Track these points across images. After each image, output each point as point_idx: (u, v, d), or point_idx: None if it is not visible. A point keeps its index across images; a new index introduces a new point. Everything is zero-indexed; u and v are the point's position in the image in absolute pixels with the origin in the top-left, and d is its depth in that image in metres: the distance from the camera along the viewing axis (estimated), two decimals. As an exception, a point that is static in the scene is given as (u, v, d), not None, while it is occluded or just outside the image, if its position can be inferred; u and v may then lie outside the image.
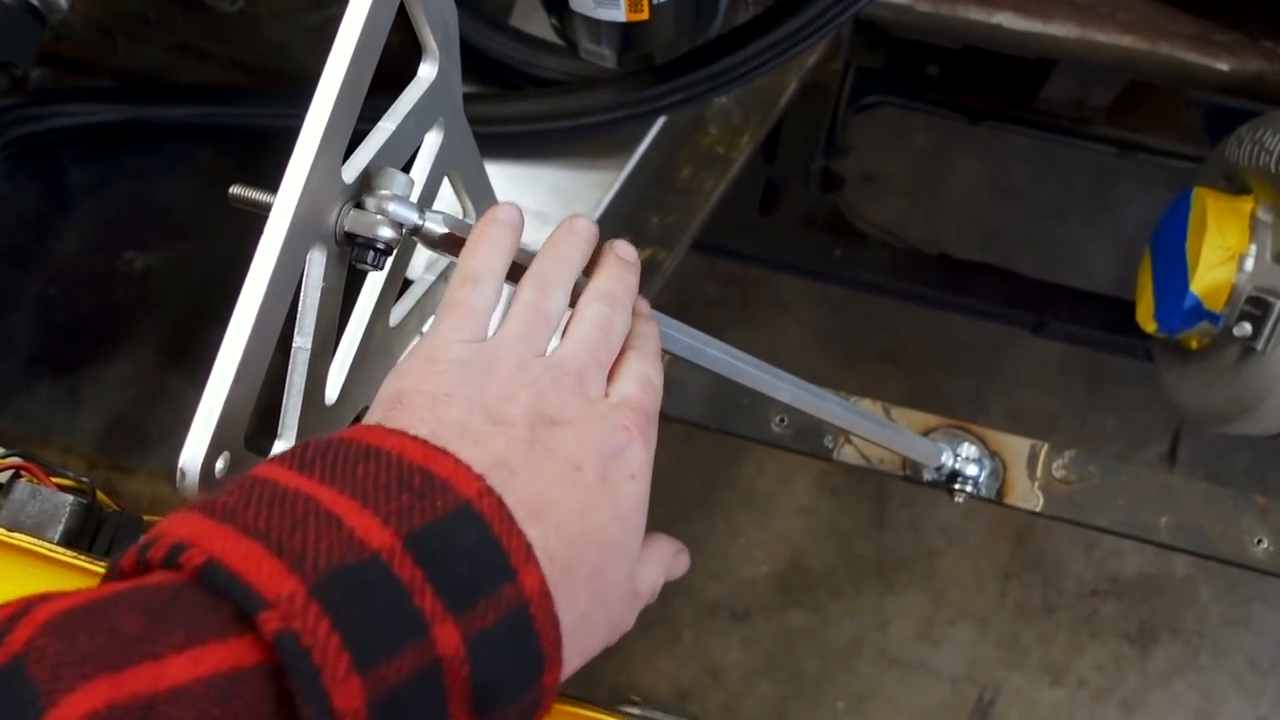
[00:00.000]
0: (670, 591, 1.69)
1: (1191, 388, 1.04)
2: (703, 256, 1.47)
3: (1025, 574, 1.68)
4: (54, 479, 0.57)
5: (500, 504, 0.38)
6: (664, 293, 1.05)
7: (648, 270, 1.01)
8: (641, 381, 0.48)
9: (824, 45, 1.07)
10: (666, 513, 1.72)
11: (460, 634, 0.35)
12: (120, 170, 1.06)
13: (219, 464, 0.44)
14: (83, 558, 0.49)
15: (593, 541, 0.41)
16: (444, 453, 0.39)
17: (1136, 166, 1.49)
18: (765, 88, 1.05)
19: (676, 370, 0.90)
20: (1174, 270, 1.01)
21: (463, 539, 0.36)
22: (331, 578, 0.33)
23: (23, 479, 0.55)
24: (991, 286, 1.29)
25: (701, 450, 1.72)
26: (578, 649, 0.41)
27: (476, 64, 0.93)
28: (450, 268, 0.68)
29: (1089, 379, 1.77)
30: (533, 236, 0.90)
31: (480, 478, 0.38)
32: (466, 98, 0.94)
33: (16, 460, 0.56)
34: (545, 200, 0.94)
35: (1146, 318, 1.04)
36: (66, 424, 1.04)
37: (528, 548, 0.38)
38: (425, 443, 0.39)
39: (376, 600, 0.34)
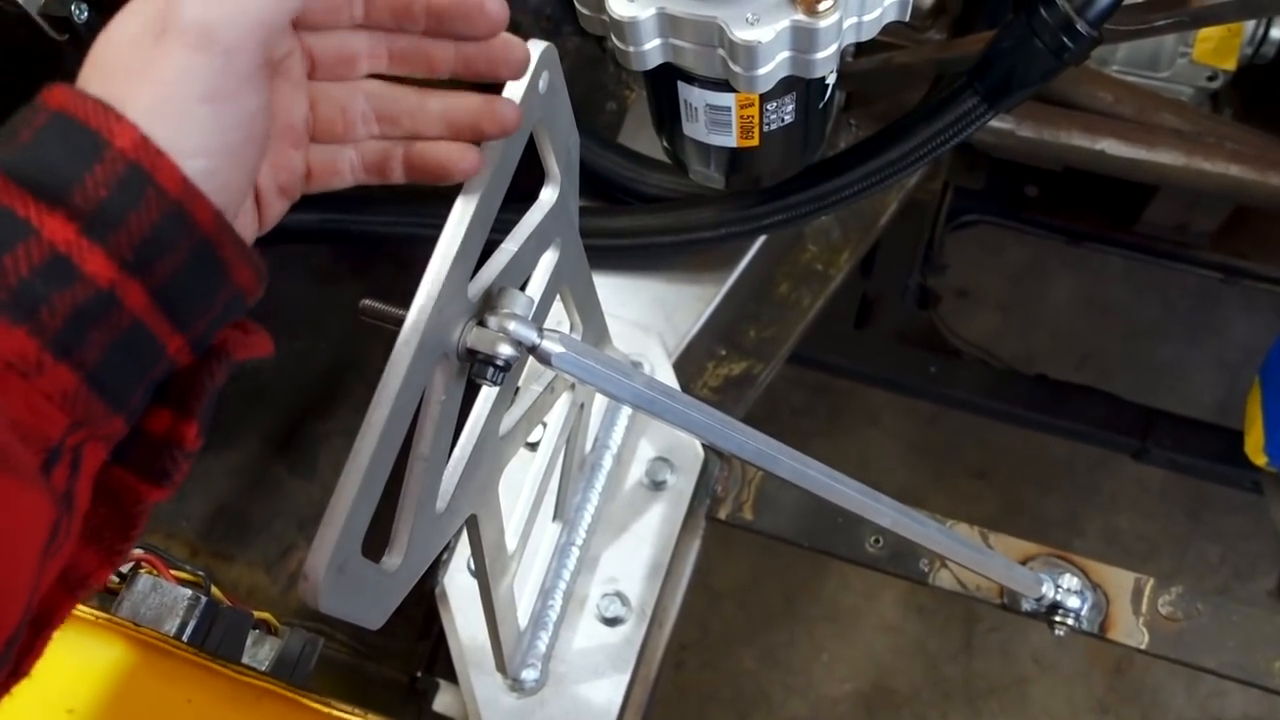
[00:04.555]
0: (749, 706, 1.65)
1: (1305, 524, 1.00)
2: (790, 365, 1.47)
3: (1122, 708, 1.61)
4: (173, 572, 0.59)
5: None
6: (750, 403, 1.05)
7: (743, 383, 1.02)
8: None
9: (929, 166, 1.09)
10: (748, 623, 1.70)
11: None
12: (239, 269, 1.11)
13: (339, 575, 0.45)
14: (201, 654, 0.51)
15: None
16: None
17: (1241, 290, 1.47)
18: (866, 207, 1.07)
19: (770, 487, 0.90)
20: (1286, 402, 0.98)
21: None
22: None
23: (144, 571, 0.57)
24: (1091, 410, 1.27)
25: (784, 561, 1.70)
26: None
27: (585, 179, 0.96)
28: (558, 379, 0.70)
29: (1190, 505, 1.71)
30: (631, 348, 0.92)
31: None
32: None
33: (139, 553, 0.59)
34: (647, 312, 0.96)
35: (1256, 450, 1.01)
36: (172, 510, 1.08)
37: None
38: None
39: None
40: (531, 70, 0.51)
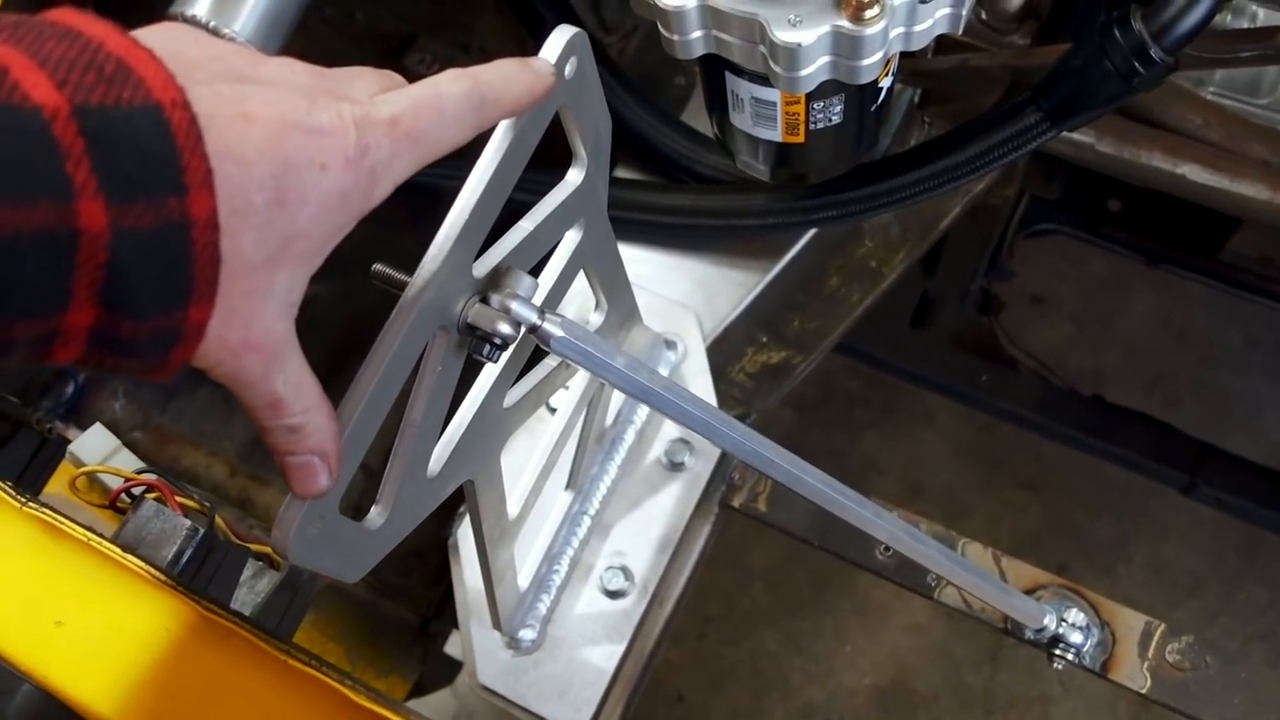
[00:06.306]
0: (766, 686, 1.64)
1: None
2: (843, 356, 1.46)
3: (1145, 741, 1.58)
4: (180, 499, 0.61)
5: (193, 122, 0.36)
6: (806, 385, 1.04)
7: (781, 372, 1.02)
8: (415, 101, 0.44)
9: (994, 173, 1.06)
10: (775, 605, 1.70)
11: (108, 219, 0.34)
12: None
13: (312, 529, 0.47)
14: (180, 588, 0.53)
15: (282, 200, 0.39)
16: (151, 54, 0.36)
17: (1328, 331, 1.41)
18: (927, 208, 1.05)
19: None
20: (1340, 459, 0.94)
21: (140, 136, 0.34)
22: None
23: (150, 496, 0.60)
24: (1142, 437, 1.23)
25: (818, 549, 1.69)
26: (253, 289, 0.39)
27: (643, 154, 0.97)
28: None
29: (1244, 545, 1.66)
30: (666, 326, 0.92)
31: (181, 90, 0.36)
32: (629, 184, 0.98)
33: (151, 478, 0.61)
34: (690, 292, 0.96)
35: (1303, 503, 0.98)
36: (217, 430, 1.12)
37: (208, 173, 0.36)
38: (135, 40, 0.36)
39: (22, 148, 0.32)
40: (558, 55, 0.51)
